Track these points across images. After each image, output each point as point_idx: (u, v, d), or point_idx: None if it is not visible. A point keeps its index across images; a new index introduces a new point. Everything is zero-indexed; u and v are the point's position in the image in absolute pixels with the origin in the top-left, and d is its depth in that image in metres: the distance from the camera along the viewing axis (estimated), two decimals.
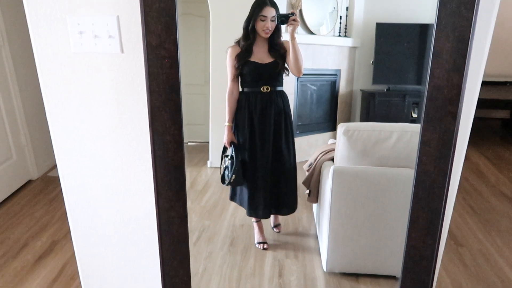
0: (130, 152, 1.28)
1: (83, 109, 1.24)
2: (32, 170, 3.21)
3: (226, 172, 1.96)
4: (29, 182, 3.16)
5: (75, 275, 2.02)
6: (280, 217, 2.22)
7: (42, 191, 3.01)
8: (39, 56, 1.19)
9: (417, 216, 1.13)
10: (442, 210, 1.10)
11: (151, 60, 1.06)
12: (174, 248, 1.23)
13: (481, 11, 0.97)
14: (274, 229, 2.16)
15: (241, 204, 2.08)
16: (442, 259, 2.06)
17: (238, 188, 2.03)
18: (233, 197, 2.09)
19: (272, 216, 2.17)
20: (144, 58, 1.06)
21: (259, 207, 2.02)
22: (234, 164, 1.92)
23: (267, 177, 1.96)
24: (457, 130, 1.02)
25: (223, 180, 1.98)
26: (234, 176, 1.93)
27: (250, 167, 1.95)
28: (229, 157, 1.95)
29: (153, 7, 1.02)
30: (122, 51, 1.17)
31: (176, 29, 1.05)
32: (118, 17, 1.13)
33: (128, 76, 1.19)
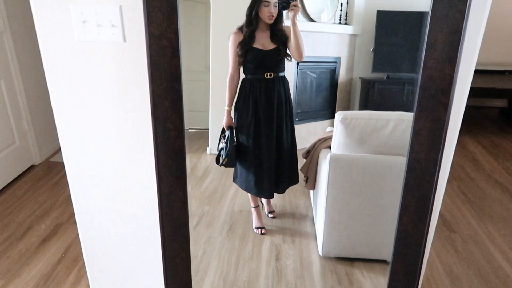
0: (133, 138, 1.32)
1: (86, 96, 1.28)
2: (35, 155, 3.25)
3: (222, 153, 2.01)
4: (31, 167, 3.21)
5: (78, 257, 2.08)
6: (276, 204, 2.28)
7: (44, 176, 3.05)
8: (43, 44, 1.22)
9: (408, 202, 1.17)
10: (432, 197, 1.15)
11: (153, 50, 1.09)
12: (175, 230, 1.28)
13: (475, 3, 1.00)
14: (269, 215, 2.21)
15: (241, 186, 2.13)
16: (434, 244, 2.13)
17: (241, 170, 2.09)
18: (235, 179, 2.14)
19: (265, 203, 2.22)
20: (146, 48, 1.09)
21: (266, 188, 2.09)
22: (228, 147, 1.98)
23: (271, 159, 2.02)
24: (448, 119, 1.06)
25: (217, 160, 2.04)
26: (226, 159, 1.99)
27: (255, 149, 2.00)
28: (225, 140, 2.00)
29: None
30: (124, 40, 1.20)
31: (177, 19, 1.07)
32: (120, 6, 1.16)
33: (131, 64, 1.23)
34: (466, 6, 0.95)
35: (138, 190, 1.40)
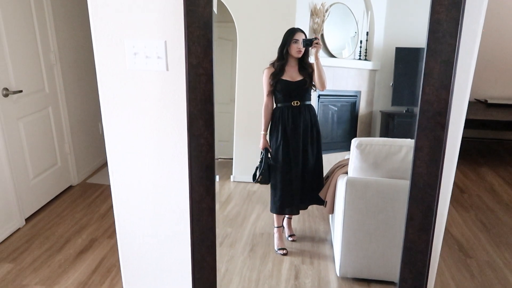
0: (170, 153, 1.52)
1: (133, 116, 1.50)
2: (73, 176, 3.52)
3: (257, 171, 2.22)
4: (70, 187, 3.46)
5: (111, 268, 2.25)
6: (297, 228, 2.41)
7: (81, 196, 3.29)
8: (100, 71, 1.46)
9: (413, 214, 1.30)
10: (435, 209, 1.27)
11: (191, 76, 1.31)
12: (203, 235, 1.44)
13: (465, 37, 1.17)
14: (289, 238, 2.33)
15: (271, 209, 2.29)
16: (449, 268, 2.18)
17: (270, 191, 2.26)
18: (273, 209, 2.29)
19: (286, 227, 2.36)
20: (186, 75, 1.30)
21: (292, 204, 2.24)
22: (262, 166, 2.18)
23: (298, 177, 2.20)
24: (446, 138, 1.20)
25: (254, 177, 2.23)
26: (261, 176, 2.18)
27: (283, 169, 2.19)
28: (260, 160, 2.21)
29: (195, 34, 1.27)
30: (167, 69, 1.42)
31: (212, 52, 1.29)
32: (165, 41, 1.39)
33: (172, 89, 1.45)
34: (456, 40, 1.12)
35: (171, 199, 1.58)
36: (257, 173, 2.22)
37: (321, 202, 2.30)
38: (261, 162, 2.21)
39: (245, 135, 2.17)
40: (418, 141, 1.23)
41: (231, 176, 2.47)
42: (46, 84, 3.12)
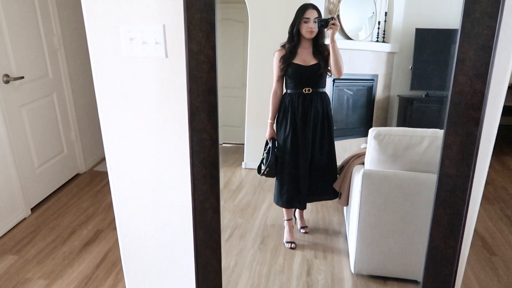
0: (171, 147, 1.40)
1: (130, 107, 1.38)
2: (80, 164, 3.45)
3: (263, 163, 2.09)
4: (77, 175, 3.41)
5: (116, 261, 2.18)
6: (309, 219, 2.29)
7: (88, 184, 3.23)
8: (94, 59, 1.34)
9: (439, 218, 1.17)
10: (464, 213, 1.13)
11: (192, 64, 1.17)
12: (207, 237, 1.34)
13: (506, 20, 1.01)
14: (301, 230, 2.22)
15: (276, 202, 2.19)
16: (473, 267, 2.05)
17: (276, 184, 2.14)
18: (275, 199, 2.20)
19: (298, 218, 2.24)
20: (186, 62, 1.17)
21: (298, 197, 2.12)
22: (270, 158, 2.04)
23: (306, 170, 2.06)
24: (480, 135, 1.05)
25: (259, 170, 2.11)
26: (267, 169, 2.05)
27: (291, 161, 2.05)
28: (266, 150, 2.08)
29: (195, 17, 1.14)
30: (166, 56, 1.29)
31: (215, 37, 1.15)
32: (164, 25, 1.26)
33: (171, 78, 1.32)
34: (496, 22, 0.96)
35: (174, 196, 1.48)
36: (263, 166, 2.09)
37: (331, 196, 2.17)
38: (267, 153, 2.07)
39: (257, 121, 2.06)
40: (448, 138, 1.09)
41: (243, 163, 2.43)
42: (49, 69, 3.02)
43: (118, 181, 1.49)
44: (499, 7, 0.95)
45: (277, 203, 2.17)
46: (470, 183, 1.10)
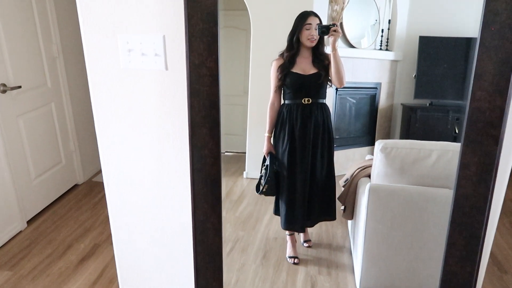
0: (170, 163, 1.34)
1: (128, 121, 1.31)
2: (79, 174, 3.38)
3: (262, 180, 1.99)
4: (75, 186, 3.34)
5: (113, 279, 2.11)
6: (313, 233, 2.21)
7: (86, 195, 3.16)
8: (91, 70, 1.28)
9: (455, 241, 1.10)
10: (482, 236, 1.07)
11: (193, 78, 1.11)
12: (208, 258, 1.27)
13: None
14: (304, 244, 2.14)
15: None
16: (484, 286, 1.97)
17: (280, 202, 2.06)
18: (277, 211, 2.11)
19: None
20: (187, 76, 1.11)
21: (296, 221, 2.03)
22: (268, 174, 1.95)
23: (305, 189, 1.97)
24: (499, 154, 0.99)
25: (257, 188, 2.02)
26: (266, 186, 1.95)
27: (289, 178, 1.96)
28: (265, 166, 1.98)
29: (197, 27, 1.08)
30: (166, 68, 1.23)
31: (217, 49, 1.09)
32: (164, 36, 1.20)
33: (171, 91, 1.25)
34: None
35: (174, 215, 1.41)
36: (262, 183, 1.98)
37: (330, 217, 2.08)
38: (266, 169, 1.97)
39: (259, 129, 1.99)
40: (465, 157, 1.02)
41: (244, 173, 2.39)
42: (48, 78, 2.97)
43: (115, 198, 1.43)
44: None
45: (282, 227, 2.09)
46: (488, 204, 1.03)
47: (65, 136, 3.21)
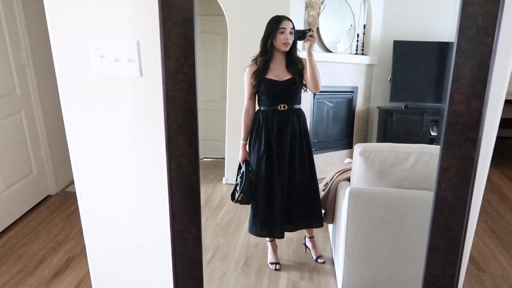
0: (147, 173, 1.29)
1: (101, 130, 1.26)
2: (51, 185, 3.26)
3: (237, 189, 1.96)
4: (47, 197, 3.21)
5: None
6: (293, 237, 2.19)
7: (59, 207, 3.05)
8: (61, 78, 1.23)
9: (437, 244, 1.10)
10: (462, 238, 1.07)
11: (169, 84, 1.08)
12: (187, 270, 1.23)
13: (502, 37, 0.96)
14: (319, 260, 2.08)
15: (250, 231, 2.07)
16: (463, 285, 2.00)
17: (251, 211, 2.02)
18: (251, 230, 2.07)
19: (311, 247, 2.12)
20: (163, 82, 1.07)
21: (275, 226, 2.00)
22: (244, 182, 1.92)
23: (283, 195, 1.94)
24: (478, 156, 1.00)
25: (232, 196, 1.98)
26: (242, 194, 1.92)
27: (266, 185, 1.94)
28: (240, 175, 1.95)
29: (172, 32, 1.05)
30: (141, 74, 1.19)
31: (194, 54, 1.06)
32: (138, 42, 1.16)
33: (147, 98, 1.21)
34: (493, 39, 0.91)
35: (151, 226, 1.36)
36: (237, 191, 1.95)
37: (316, 224, 2.07)
38: (241, 177, 1.94)
39: (238, 135, 1.98)
40: (444, 160, 1.02)
41: (223, 178, 2.38)
42: (17, 86, 2.85)
43: (88, 209, 1.37)
44: (496, 23, 0.90)
45: (250, 231, 2.05)
46: (468, 207, 1.04)
47: (36, 146, 3.08)
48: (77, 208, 2.95)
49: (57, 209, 3.01)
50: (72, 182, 3.44)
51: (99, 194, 1.34)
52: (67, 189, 3.34)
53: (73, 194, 3.20)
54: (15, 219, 2.80)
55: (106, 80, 1.21)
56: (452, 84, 0.97)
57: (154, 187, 1.30)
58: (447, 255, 1.09)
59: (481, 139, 0.99)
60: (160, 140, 1.23)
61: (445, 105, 1.00)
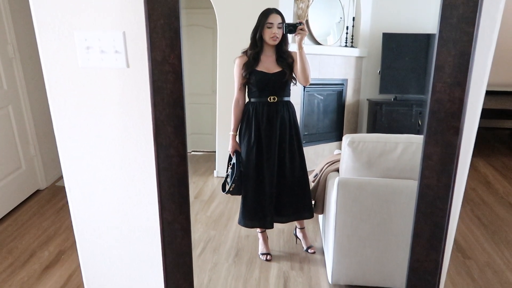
0: (135, 164, 1.30)
1: (89, 122, 1.26)
2: (41, 179, 3.24)
3: (228, 180, 1.97)
4: (37, 191, 3.19)
5: (80, 286, 2.03)
6: (284, 229, 2.21)
7: (49, 201, 3.03)
8: (47, 70, 1.22)
9: (421, 230, 1.12)
10: (445, 224, 1.10)
11: (155, 75, 1.08)
12: (177, 260, 1.24)
13: (483, 26, 0.98)
14: (309, 250, 2.11)
15: (239, 222, 2.08)
16: (449, 272, 2.04)
17: (241, 202, 2.04)
18: (241, 222, 2.09)
19: (301, 238, 2.14)
20: (149, 73, 1.08)
21: (265, 218, 2.02)
22: (235, 173, 1.93)
23: (272, 186, 1.96)
24: (460, 144, 1.02)
25: (223, 188, 2.00)
26: (233, 185, 1.94)
27: (255, 176, 1.96)
28: (231, 166, 1.97)
29: (158, 23, 1.05)
30: (127, 65, 1.19)
31: (180, 45, 1.07)
32: (124, 32, 1.16)
33: (134, 90, 1.21)
34: (474, 28, 0.93)
35: (140, 217, 1.37)
36: (228, 182, 1.97)
37: (306, 215, 2.09)
38: (232, 168, 1.95)
39: (228, 128, 1.98)
40: (427, 148, 1.05)
41: (214, 172, 2.39)
42: (3, 80, 2.82)
43: (78, 202, 1.37)
44: (476, 13, 0.92)
45: (239, 223, 2.07)
46: (451, 193, 1.06)
47: (25, 140, 3.06)
48: (67, 202, 2.95)
49: (47, 203, 3.00)
50: (62, 177, 3.43)
51: (88, 187, 1.34)
52: (57, 184, 3.33)
53: (63, 189, 3.16)
54: (4, 214, 2.78)
55: (93, 72, 1.21)
56: (434, 73, 0.99)
57: (143, 179, 1.31)
58: (431, 241, 1.12)
59: (463, 127, 1.01)
60: (148, 131, 1.24)
61: (428, 94, 1.01)
